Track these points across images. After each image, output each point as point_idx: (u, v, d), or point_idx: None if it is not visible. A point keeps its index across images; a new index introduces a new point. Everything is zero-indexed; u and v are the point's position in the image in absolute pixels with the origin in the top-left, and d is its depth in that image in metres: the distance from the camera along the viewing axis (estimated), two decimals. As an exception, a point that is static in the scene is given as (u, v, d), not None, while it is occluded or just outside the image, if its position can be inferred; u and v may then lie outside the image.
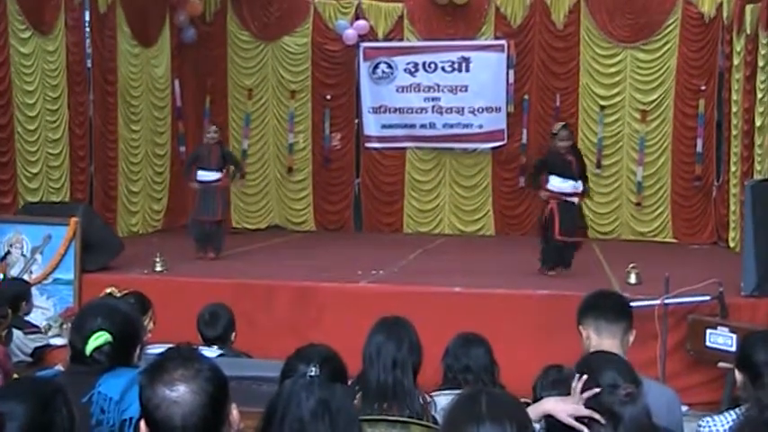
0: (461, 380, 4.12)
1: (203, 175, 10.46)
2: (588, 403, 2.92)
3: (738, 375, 3.45)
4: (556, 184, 9.50)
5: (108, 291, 6.25)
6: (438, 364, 4.32)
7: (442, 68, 13.75)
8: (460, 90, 13.74)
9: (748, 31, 11.26)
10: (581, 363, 3.10)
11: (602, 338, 3.88)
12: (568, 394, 3.21)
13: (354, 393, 3.25)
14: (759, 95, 10.82)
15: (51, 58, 11.22)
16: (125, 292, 5.85)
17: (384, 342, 3.47)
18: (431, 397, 3.58)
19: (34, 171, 10.96)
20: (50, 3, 11.10)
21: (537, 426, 3.19)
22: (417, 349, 3.54)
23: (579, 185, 9.52)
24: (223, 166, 10.49)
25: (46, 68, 11.14)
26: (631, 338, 3.95)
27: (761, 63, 10.79)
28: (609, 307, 4.00)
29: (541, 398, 3.52)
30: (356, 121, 14.27)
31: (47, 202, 10.73)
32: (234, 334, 5.77)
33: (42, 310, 8.63)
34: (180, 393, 2.17)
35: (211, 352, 5.10)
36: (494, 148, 13.77)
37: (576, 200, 9.51)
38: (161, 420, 2.17)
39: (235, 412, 2.29)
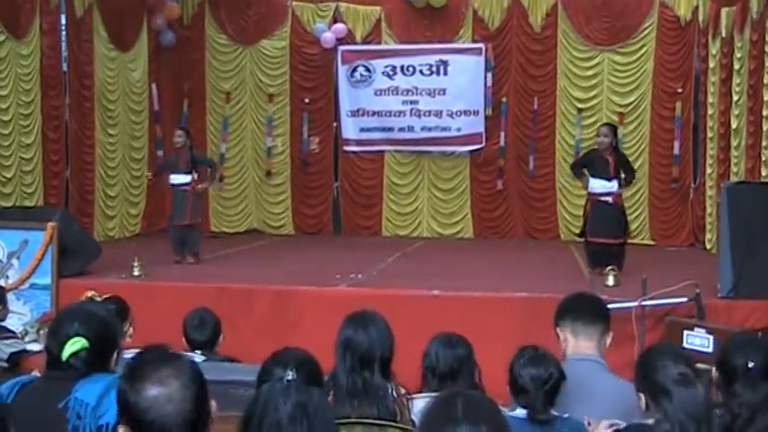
0: (445, 385, 4.09)
1: (173, 179, 10.46)
2: (645, 384, 3.17)
3: (715, 373, 3.48)
4: (592, 184, 9.80)
5: (89, 295, 6.23)
6: (417, 367, 4.31)
7: (420, 72, 13.77)
8: (438, 93, 13.76)
9: (723, 35, 11.35)
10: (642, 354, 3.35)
11: (578, 340, 3.90)
12: (546, 369, 3.37)
13: (327, 393, 3.24)
14: (735, 98, 10.91)
15: (25, 62, 11.15)
16: (105, 296, 5.83)
17: (352, 336, 3.44)
18: (406, 389, 3.56)
19: (8, 176, 10.90)
20: (25, 7, 11.04)
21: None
22: (387, 340, 3.50)
23: (613, 185, 9.67)
24: (192, 169, 10.46)
25: (20, 72, 11.08)
26: (608, 341, 3.97)
27: (736, 66, 10.88)
28: (586, 309, 4.02)
29: (519, 376, 3.54)
30: (334, 124, 14.26)
31: (21, 206, 10.67)
32: (221, 337, 5.78)
33: (19, 316, 8.58)
34: (171, 390, 2.16)
35: (196, 357, 5.09)
36: (472, 151, 13.79)
37: (609, 199, 9.65)
38: (154, 421, 2.15)
39: (213, 403, 2.31)
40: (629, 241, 12.48)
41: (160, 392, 2.16)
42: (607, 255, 9.53)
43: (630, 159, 12.98)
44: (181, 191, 10.39)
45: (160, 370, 2.19)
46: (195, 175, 10.45)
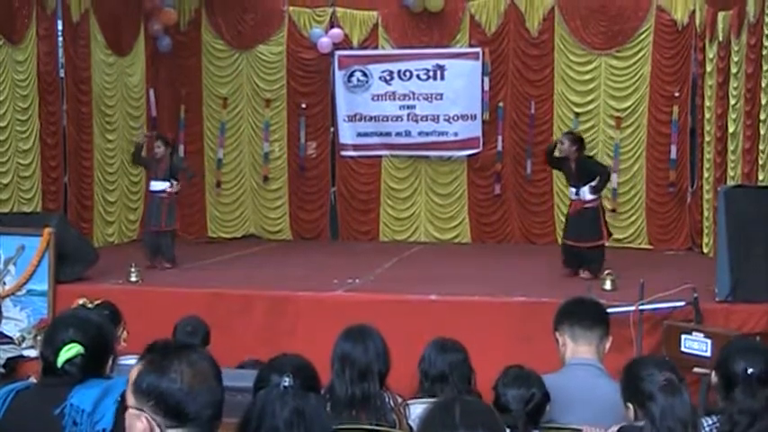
0: (437, 389, 4.10)
1: (152, 186, 10.62)
2: (632, 394, 3.17)
3: (714, 377, 3.47)
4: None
5: (80, 302, 6.20)
6: (414, 372, 4.31)
7: (417, 76, 13.77)
8: (436, 98, 13.75)
9: (720, 39, 11.35)
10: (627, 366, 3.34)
11: (578, 345, 3.89)
12: (529, 389, 3.35)
13: (324, 404, 3.24)
14: (732, 102, 10.92)
15: (21, 68, 11.13)
16: (97, 302, 5.81)
17: (350, 351, 3.45)
18: (403, 399, 3.56)
19: (5, 182, 10.88)
20: (21, 12, 11.02)
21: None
22: (384, 355, 3.52)
23: (573, 193, 9.96)
24: (171, 176, 10.50)
25: (16, 78, 11.05)
26: (607, 345, 3.96)
27: (733, 70, 10.88)
28: (585, 314, 4.01)
29: (502, 395, 3.54)
30: (331, 129, 14.24)
31: (18, 212, 10.66)
32: (208, 348, 5.75)
33: (16, 322, 8.57)
34: (204, 371, 2.19)
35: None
36: (469, 156, 13.78)
37: (578, 206, 9.91)
38: (195, 401, 2.16)
39: None
40: (629, 245, 12.60)
41: (194, 375, 2.16)
42: (578, 257, 9.79)
43: (628, 164, 13.10)
44: (157, 197, 10.49)
45: (186, 355, 2.20)
46: (174, 183, 10.49)
